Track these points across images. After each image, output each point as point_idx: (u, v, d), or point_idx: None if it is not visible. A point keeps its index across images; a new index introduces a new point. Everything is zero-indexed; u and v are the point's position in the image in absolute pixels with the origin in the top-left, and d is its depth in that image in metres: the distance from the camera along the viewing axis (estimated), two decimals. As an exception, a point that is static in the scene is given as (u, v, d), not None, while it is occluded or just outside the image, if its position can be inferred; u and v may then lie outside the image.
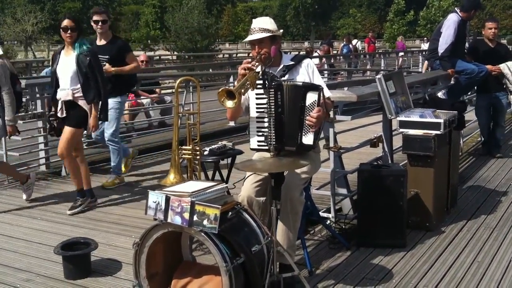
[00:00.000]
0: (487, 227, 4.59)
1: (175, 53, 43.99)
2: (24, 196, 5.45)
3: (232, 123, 9.51)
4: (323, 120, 3.41)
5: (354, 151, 5.12)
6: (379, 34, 48.21)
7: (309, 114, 3.34)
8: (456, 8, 7.00)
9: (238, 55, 38.58)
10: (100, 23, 5.80)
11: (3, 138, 5.71)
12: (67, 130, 5.00)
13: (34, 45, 59.32)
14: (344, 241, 4.15)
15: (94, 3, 65.34)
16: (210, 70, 14.95)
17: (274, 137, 3.42)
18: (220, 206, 2.74)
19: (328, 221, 4.48)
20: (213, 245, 2.75)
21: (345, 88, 8.36)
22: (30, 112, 8.01)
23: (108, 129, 5.90)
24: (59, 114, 5.05)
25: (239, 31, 70.88)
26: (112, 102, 5.72)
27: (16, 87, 5.25)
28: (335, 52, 20.84)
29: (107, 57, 5.73)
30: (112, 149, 6.04)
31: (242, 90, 3.24)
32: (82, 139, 7.54)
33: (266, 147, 3.45)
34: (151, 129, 8.95)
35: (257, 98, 3.50)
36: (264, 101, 3.44)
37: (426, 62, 10.59)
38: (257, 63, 3.37)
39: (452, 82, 7.00)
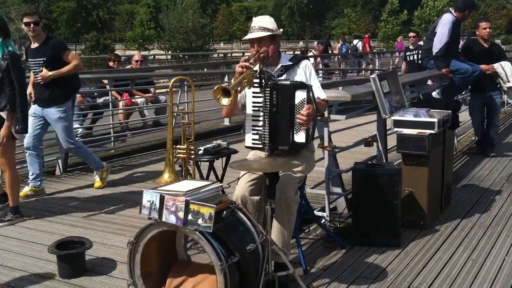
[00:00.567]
0: (481, 225, 4.61)
1: (170, 52, 43.93)
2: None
3: (227, 123, 9.53)
4: (313, 117, 3.41)
5: (348, 150, 5.14)
6: (373, 34, 48.21)
7: (299, 112, 3.35)
8: (450, 8, 7.03)
9: (233, 54, 38.55)
10: (32, 25, 5.31)
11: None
12: None
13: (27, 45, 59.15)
14: (339, 239, 4.16)
15: (88, 3, 65.25)
16: (205, 70, 14.91)
17: (268, 136, 3.43)
18: (214, 205, 2.74)
19: (323, 220, 4.49)
20: (208, 244, 2.75)
21: (340, 88, 8.37)
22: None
23: (63, 141, 5.66)
24: None
25: (234, 30, 70.85)
26: (56, 112, 5.46)
27: None
28: (335, 51, 20.78)
29: (42, 59, 5.34)
30: (79, 155, 5.88)
31: (238, 88, 3.24)
32: (76, 138, 7.59)
33: (261, 146, 3.46)
34: (146, 129, 8.93)
35: (253, 97, 3.50)
36: (260, 100, 3.45)
37: (404, 62, 10.71)
38: (255, 62, 3.37)
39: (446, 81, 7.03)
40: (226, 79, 10.59)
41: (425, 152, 4.39)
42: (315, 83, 3.59)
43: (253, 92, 3.49)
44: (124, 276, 3.49)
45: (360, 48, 22.52)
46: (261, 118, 3.47)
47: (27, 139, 5.46)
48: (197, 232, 2.76)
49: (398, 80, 5.17)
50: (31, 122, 5.32)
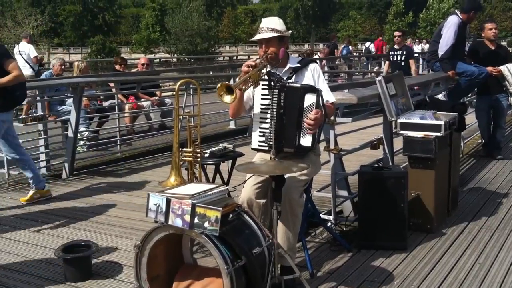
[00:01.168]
0: (489, 229, 4.59)
1: (175, 55, 44.04)
2: None
3: (232, 125, 9.53)
4: (321, 122, 3.41)
5: (354, 153, 5.13)
6: (379, 36, 48.16)
7: (307, 116, 3.35)
8: (456, 10, 7.01)
9: (238, 57, 38.58)
10: None
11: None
12: None
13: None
14: (345, 243, 4.15)
15: (94, 6, 65.53)
16: (211, 73, 14.92)
17: (273, 137, 3.43)
18: (221, 208, 2.74)
19: (329, 223, 4.48)
20: (214, 247, 2.74)
21: (346, 90, 8.35)
22: (30, 115, 8.04)
23: (4, 150, 5.44)
24: None
25: (239, 33, 70.99)
26: None
27: None
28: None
29: None
30: (22, 168, 5.54)
31: (243, 87, 3.26)
32: (82, 142, 7.63)
33: (267, 148, 3.46)
34: (152, 132, 8.95)
35: (262, 99, 3.52)
36: (268, 102, 3.45)
37: (387, 62, 10.53)
38: (262, 62, 3.38)
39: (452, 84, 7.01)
40: (231, 82, 10.59)
41: (431, 154, 4.37)
42: (324, 86, 3.59)
43: (262, 95, 3.50)
44: (130, 280, 3.50)
45: (373, 50, 22.56)
46: (268, 120, 3.47)
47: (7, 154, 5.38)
48: (203, 236, 2.76)
49: (404, 82, 5.16)
50: None
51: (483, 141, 7.53)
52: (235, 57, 38.43)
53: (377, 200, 4.13)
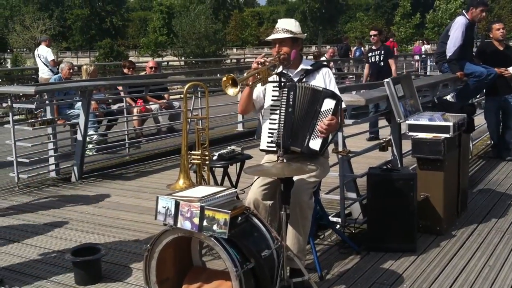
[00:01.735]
0: (498, 230, 4.56)
1: (183, 58, 44.15)
2: None
3: (240, 128, 9.53)
4: (334, 129, 3.41)
5: (363, 155, 5.11)
6: (386, 38, 48.08)
7: (322, 120, 3.35)
8: (463, 11, 6.98)
9: (246, 60, 38.62)
10: None
11: (13, 145, 5.49)
12: None
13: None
14: (354, 245, 4.14)
15: (101, 10, 65.84)
16: (218, 75, 14.94)
17: (281, 135, 3.43)
18: (229, 211, 2.74)
19: (338, 226, 4.47)
20: (223, 250, 2.75)
21: (353, 92, 8.34)
22: (39, 119, 8.08)
23: None
24: None
25: (246, 36, 71.05)
26: None
27: None
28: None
29: None
30: None
31: (250, 83, 3.30)
32: (91, 145, 7.66)
33: (275, 148, 3.46)
34: (160, 135, 8.97)
35: (272, 100, 3.53)
36: (278, 103, 3.47)
37: (366, 65, 9.53)
38: (272, 61, 3.41)
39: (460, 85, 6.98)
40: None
41: (440, 156, 4.35)
42: (335, 91, 3.58)
43: (273, 96, 3.53)
44: (139, 283, 3.51)
45: None
46: (276, 120, 3.49)
47: None
48: (212, 238, 2.76)
49: (412, 84, 5.15)
50: None
51: (492, 142, 7.49)
52: (242, 60, 38.43)
53: (386, 202, 4.12)
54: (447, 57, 6.73)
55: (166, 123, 9.42)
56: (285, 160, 3.36)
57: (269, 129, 3.54)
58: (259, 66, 3.35)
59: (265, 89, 3.61)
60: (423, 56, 22.86)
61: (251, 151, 4.74)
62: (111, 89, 8.99)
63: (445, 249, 4.17)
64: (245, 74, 3.42)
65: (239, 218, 2.95)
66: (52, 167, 6.74)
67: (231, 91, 3.14)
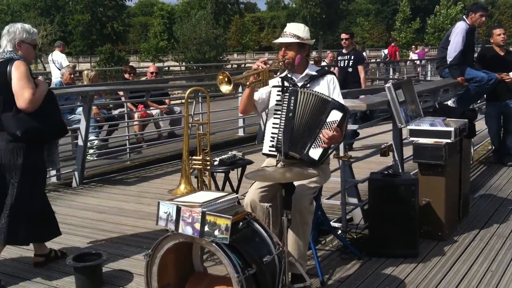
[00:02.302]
0: (500, 236, 4.55)
1: (184, 64, 44.24)
2: None
3: (241, 133, 9.54)
4: (336, 141, 3.41)
5: (364, 160, 5.11)
6: (387, 43, 48.20)
7: (325, 130, 3.34)
8: (463, 16, 6.99)
9: (246, 65, 38.68)
10: None
11: None
12: None
13: (43, 57, 60.03)
14: (356, 251, 4.13)
15: (102, 15, 65.95)
16: (219, 81, 15.02)
17: (281, 139, 3.43)
18: (231, 216, 2.74)
19: (339, 231, 4.46)
20: (225, 255, 2.74)
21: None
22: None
23: None
24: None
25: (247, 41, 71.17)
26: None
27: None
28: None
29: None
30: None
31: (247, 83, 3.33)
32: (92, 151, 7.66)
33: (276, 153, 3.47)
34: (161, 140, 8.98)
35: (276, 105, 3.54)
36: (280, 107, 3.47)
37: (336, 69, 9.03)
38: (275, 64, 3.43)
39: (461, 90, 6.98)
40: (240, 89, 10.63)
41: (441, 161, 4.35)
42: (339, 99, 3.56)
43: (277, 101, 3.53)
44: (141, 288, 3.50)
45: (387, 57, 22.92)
46: (277, 125, 3.50)
47: None
48: (213, 244, 2.76)
49: (413, 89, 5.15)
50: None
51: (494, 147, 7.49)
52: (243, 65, 38.52)
53: (387, 208, 4.11)
54: (448, 62, 6.74)
55: (167, 128, 9.43)
56: (284, 164, 3.36)
57: (272, 133, 3.54)
58: (259, 67, 3.36)
59: (270, 92, 3.61)
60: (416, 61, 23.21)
61: (252, 156, 4.75)
62: (112, 94, 9.01)
63: (446, 255, 4.15)
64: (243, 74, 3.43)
65: (241, 223, 2.94)
66: (53, 172, 6.73)
67: (224, 88, 3.21)
